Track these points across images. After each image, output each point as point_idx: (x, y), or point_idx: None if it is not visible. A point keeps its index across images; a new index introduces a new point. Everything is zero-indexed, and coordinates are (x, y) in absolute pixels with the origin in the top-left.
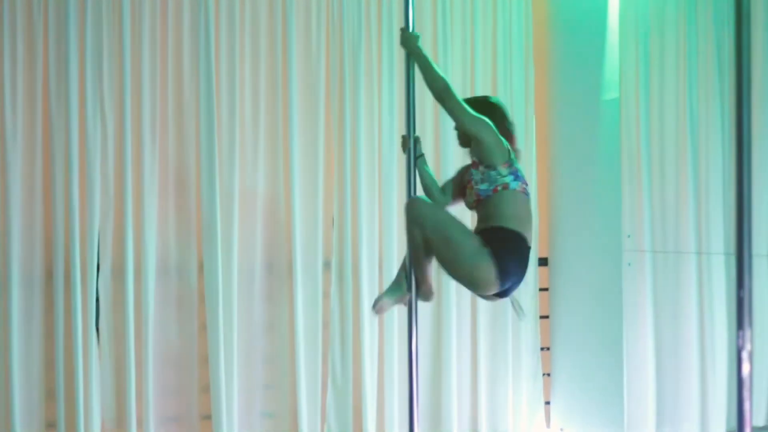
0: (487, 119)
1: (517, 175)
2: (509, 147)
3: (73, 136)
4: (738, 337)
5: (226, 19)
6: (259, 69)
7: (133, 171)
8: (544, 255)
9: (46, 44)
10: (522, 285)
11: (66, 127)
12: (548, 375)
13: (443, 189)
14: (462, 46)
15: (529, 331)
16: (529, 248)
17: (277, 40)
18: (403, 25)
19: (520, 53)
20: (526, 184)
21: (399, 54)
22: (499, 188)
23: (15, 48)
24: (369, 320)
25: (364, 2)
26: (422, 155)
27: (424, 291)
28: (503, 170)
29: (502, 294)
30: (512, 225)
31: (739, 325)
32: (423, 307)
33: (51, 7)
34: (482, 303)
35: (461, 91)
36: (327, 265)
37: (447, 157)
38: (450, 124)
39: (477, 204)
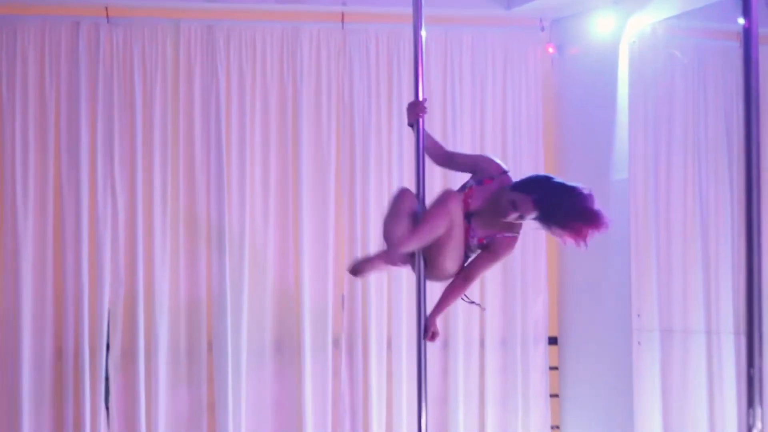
0: None
1: None
2: None
3: (83, 215)
4: (748, 415)
5: (237, 104)
6: (269, 151)
7: (143, 251)
8: (553, 334)
9: (57, 121)
10: (530, 363)
11: (76, 205)
12: None
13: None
14: (471, 125)
15: (539, 410)
16: None
17: (287, 127)
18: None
19: (529, 134)
20: None
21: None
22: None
23: (26, 125)
24: (378, 399)
25: (374, 86)
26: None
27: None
28: None
29: None
30: None
31: (750, 403)
32: (432, 388)
33: (63, 82)
34: (492, 384)
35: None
36: (336, 343)
37: None
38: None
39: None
